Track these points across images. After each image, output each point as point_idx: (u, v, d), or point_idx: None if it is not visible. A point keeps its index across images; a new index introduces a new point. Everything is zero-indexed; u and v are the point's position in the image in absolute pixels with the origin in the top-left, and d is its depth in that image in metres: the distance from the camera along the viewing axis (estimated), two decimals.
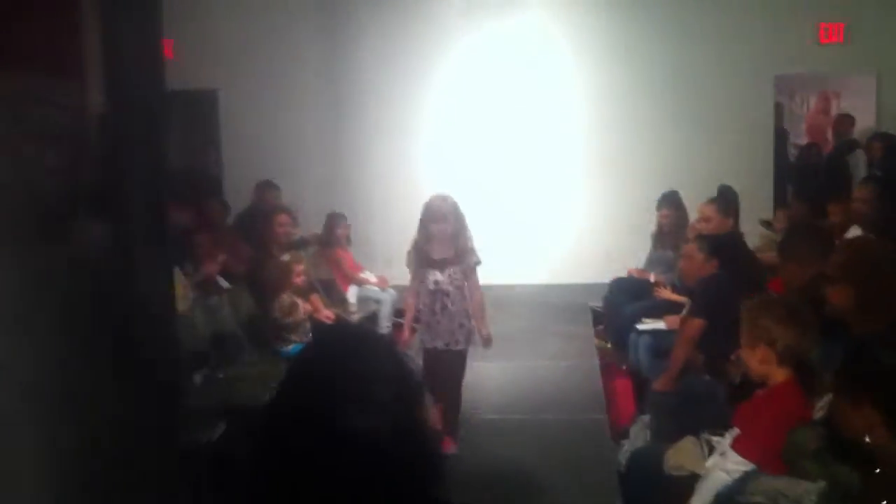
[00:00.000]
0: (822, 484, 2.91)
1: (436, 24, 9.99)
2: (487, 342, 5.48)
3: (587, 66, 9.89)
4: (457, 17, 9.98)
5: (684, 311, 6.29)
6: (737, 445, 3.24)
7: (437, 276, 5.30)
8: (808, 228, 5.35)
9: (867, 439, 2.42)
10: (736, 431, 3.36)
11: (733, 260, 5.56)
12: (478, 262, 5.38)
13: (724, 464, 3.24)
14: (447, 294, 5.31)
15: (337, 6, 10.08)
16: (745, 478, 3.16)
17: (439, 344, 5.31)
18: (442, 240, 5.24)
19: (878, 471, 2.41)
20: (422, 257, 5.34)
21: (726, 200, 7.16)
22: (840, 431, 2.66)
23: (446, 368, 5.31)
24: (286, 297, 6.56)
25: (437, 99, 10.10)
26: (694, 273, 5.49)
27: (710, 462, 3.47)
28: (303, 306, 6.63)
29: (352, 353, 1.73)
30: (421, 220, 5.33)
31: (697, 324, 5.17)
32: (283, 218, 7.51)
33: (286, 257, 6.87)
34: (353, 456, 1.58)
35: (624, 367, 7.02)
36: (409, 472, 1.64)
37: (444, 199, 5.33)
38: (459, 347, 5.35)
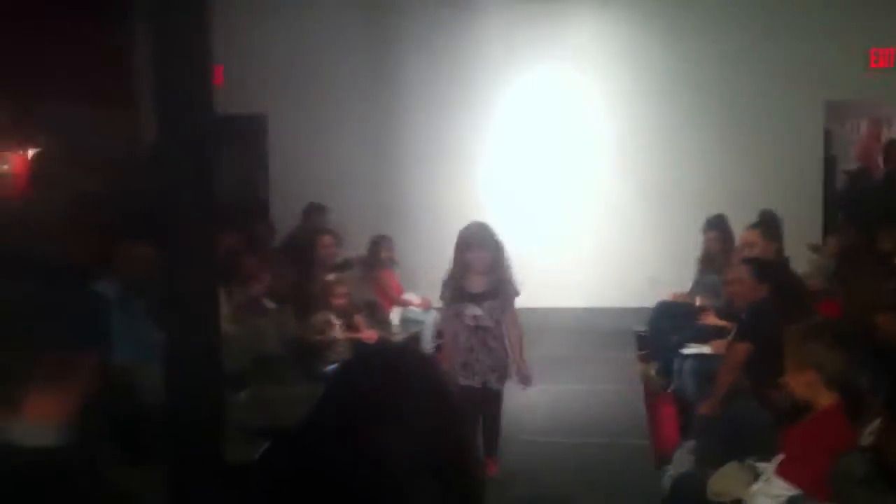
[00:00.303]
0: None
1: (482, 56, 10.03)
2: (527, 381, 5.14)
3: (637, 91, 9.86)
4: (503, 50, 10.00)
5: (731, 336, 6.23)
6: (782, 470, 3.19)
7: (475, 310, 4.96)
8: (865, 255, 5.30)
9: None
10: (780, 458, 3.31)
11: (781, 285, 5.49)
12: (517, 294, 5.03)
13: (768, 489, 3.19)
14: (487, 330, 4.97)
15: (385, 31, 10.17)
16: (791, 502, 3.11)
17: (476, 382, 4.97)
18: (480, 270, 4.91)
19: None
20: (458, 290, 4.98)
21: (769, 225, 7.09)
22: (889, 458, 2.61)
23: (480, 406, 5.02)
24: (321, 317, 6.60)
25: (484, 125, 10.13)
26: (745, 297, 5.43)
27: (754, 488, 3.43)
28: (339, 327, 6.66)
29: (392, 371, 1.71)
30: (456, 248, 4.99)
31: (744, 348, 5.10)
32: (327, 239, 7.58)
33: (330, 278, 6.92)
34: (392, 476, 1.56)
35: (668, 393, 6.95)
36: (451, 492, 1.63)
37: (481, 226, 5.04)
38: (497, 387, 5.07)
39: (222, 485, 4.12)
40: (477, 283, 4.96)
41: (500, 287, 4.97)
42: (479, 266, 4.90)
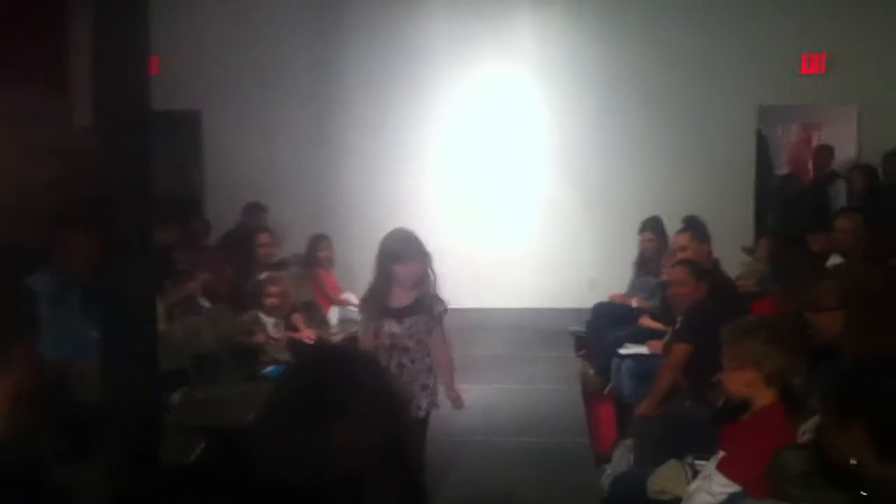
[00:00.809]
0: None
1: (425, 54, 10.02)
2: (457, 402, 4.62)
3: (570, 97, 9.94)
4: (446, 50, 10.01)
5: (668, 336, 6.32)
6: (722, 467, 3.24)
7: (393, 327, 4.35)
8: (799, 256, 5.42)
9: (853, 462, 2.42)
10: (720, 455, 3.35)
11: (717, 286, 5.59)
12: (444, 311, 4.44)
13: (709, 486, 3.23)
14: (406, 350, 4.37)
15: (326, 25, 10.10)
16: (730, 500, 3.16)
17: None
18: (405, 284, 4.31)
19: (864, 493, 2.41)
20: (378, 305, 4.37)
21: (698, 229, 7.21)
22: (827, 454, 2.66)
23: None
24: (249, 316, 6.53)
25: (424, 126, 10.11)
26: (685, 298, 5.50)
27: (693, 486, 3.47)
28: (273, 326, 6.58)
29: (340, 371, 1.71)
30: (380, 259, 4.37)
31: (684, 349, 5.17)
32: (264, 237, 7.50)
33: (262, 277, 6.84)
34: (339, 477, 1.55)
35: (606, 392, 7.03)
36: (395, 493, 1.62)
37: (409, 234, 4.41)
38: (420, 413, 4.36)
39: (159, 484, 4.07)
40: (400, 298, 4.35)
41: (425, 302, 4.37)
42: (408, 280, 4.31)
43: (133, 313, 4.01)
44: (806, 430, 3.29)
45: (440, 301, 4.43)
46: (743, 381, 3.32)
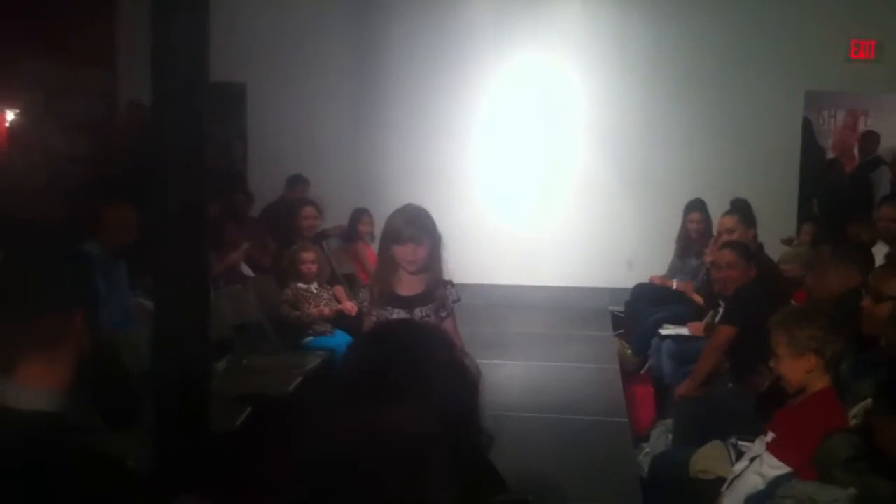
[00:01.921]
0: (852, 491, 2.92)
1: (469, 34, 10.00)
2: None
3: (620, 77, 9.87)
4: (491, 30, 9.98)
5: (707, 318, 6.32)
6: (775, 450, 3.25)
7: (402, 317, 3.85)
8: (846, 242, 5.38)
9: None
10: (766, 437, 3.37)
11: (763, 270, 5.56)
12: (456, 300, 3.94)
13: (759, 467, 3.25)
14: None
15: (370, 4, 10.11)
16: (777, 482, 3.17)
17: None
18: (410, 268, 3.80)
19: None
20: (384, 293, 3.86)
21: (745, 212, 7.18)
22: (875, 440, 2.67)
23: None
24: (290, 290, 6.57)
25: (468, 102, 10.10)
26: (733, 282, 5.47)
27: (738, 466, 3.49)
28: (317, 297, 6.64)
29: (413, 342, 1.72)
30: (383, 239, 3.89)
31: (728, 331, 5.15)
32: (308, 210, 7.54)
33: (296, 247, 6.88)
34: (409, 448, 1.58)
35: (643, 373, 7.05)
36: (463, 464, 1.64)
37: (417, 211, 3.84)
38: None
39: (205, 451, 4.15)
40: (408, 285, 3.87)
41: (436, 290, 3.89)
42: (409, 262, 3.79)
43: (185, 284, 4.10)
44: (855, 415, 3.30)
45: (452, 288, 3.93)
46: (803, 368, 3.32)
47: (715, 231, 7.48)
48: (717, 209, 7.80)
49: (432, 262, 3.81)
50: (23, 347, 2.10)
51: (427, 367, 1.63)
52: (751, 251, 5.72)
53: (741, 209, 7.16)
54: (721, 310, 5.83)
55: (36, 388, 2.10)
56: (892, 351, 3.39)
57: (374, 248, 8.55)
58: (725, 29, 9.63)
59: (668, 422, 5.30)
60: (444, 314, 3.87)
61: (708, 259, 6.93)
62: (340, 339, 6.41)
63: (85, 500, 2.04)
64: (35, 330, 2.12)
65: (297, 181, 8.98)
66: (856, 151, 10.89)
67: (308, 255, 6.70)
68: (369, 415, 1.56)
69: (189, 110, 4.08)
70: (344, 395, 1.62)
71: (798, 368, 3.34)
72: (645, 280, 8.17)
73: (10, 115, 7.49)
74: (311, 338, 6.48)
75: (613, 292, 8.98)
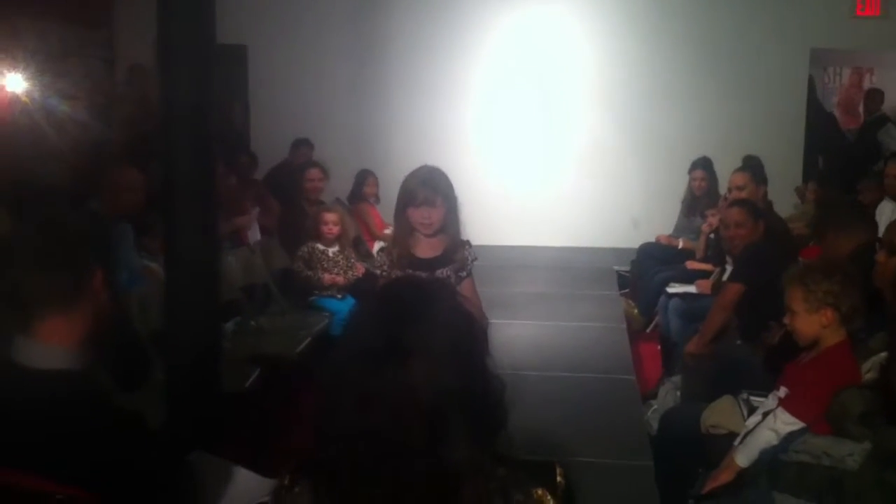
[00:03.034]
0: (866, 445, 2.94)
1: None
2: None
3: (624, 35, 9.82)
4: None
5: (714, 276, 6.32)
6: (788, 405, 3.25)
7: None
8: (850, 200, 5.36)
9: None
10: (779, 392, 3.37)
11: (772, 229, 5.55)
12: (474, 260, 3.92)
13: (773, 423, 3.25)
14: None
15: None
16: (791, 437, 3.18)
17: None
18: (425, 231, 3.78)
19: None
20: (402, 255, 3.84)
21: (756, 169, 7.16)
22: (891, 393, 2.68)
23: None
24: (305, 248, 6.51)
25: (470, 62, 10.05)
26: (742, 240, 5.46)
27: (750, 421, 3.50)
28: (327, 271, 6.58)
29: (426, 297, 1.72)
30: (399, 202, 3.83)
31: (737, 288, 5.14)
32: (314, 172, 7.52)
33: (321, 208, 6.86)
34: (425, 402, 1.57)
35: (648, 331, 7.07)
36: (478, 418, 1.64)
37: (432, 172, 3.81)
38: None
39: (219, 410, 4.17)
40: (426, 247, 3.84)
41: (455, 252, 3.86)
42: (425, 227, 3.76)
43: (196, 246, 4.10)
44: (868, 370, 3.31)
45: (470, 248, 3.90)
46: (820, 323, 3.32)
47: (723, 189, 7.47)
48: (722, 168, 7.79)
49: (449, 223, 3.79)
50: (45, 306, 2.10)
51: (432, 321, 1.65)
52: (759, 209, 5.70)
53: (753, 166, 7.14)
54: (728, 267, 5.83)
55: (57, 346, 2.11)
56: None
57: (380, 209, 8.62)
58: None
59: (676, 379, 5.32)
60: (463, 274, 3.84)
61: (713, 218, 6.91)
62: (346, 305, 6.36)
63: (105, 454, 2.05)
64: (57, 288, 2.12)
65: (300, 144, 8.96)
66: (860, 109, 10.82)
67: (331, 216, 6.58)
68: (382, 376, 1.57)
69: (197, 72, 4.06)
70: (354, 359, 1.63)
71: (814, 323, 3.34)
72: (650, 239, 8.16)
73: (9, 79, 7.44)
74: (319, 297, 6.46)
75: (618, 252, 8.98)
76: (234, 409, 4.51)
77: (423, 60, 10.02)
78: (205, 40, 4.09)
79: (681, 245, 7.65)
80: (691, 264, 7.06)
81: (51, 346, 2.11)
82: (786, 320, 3.51)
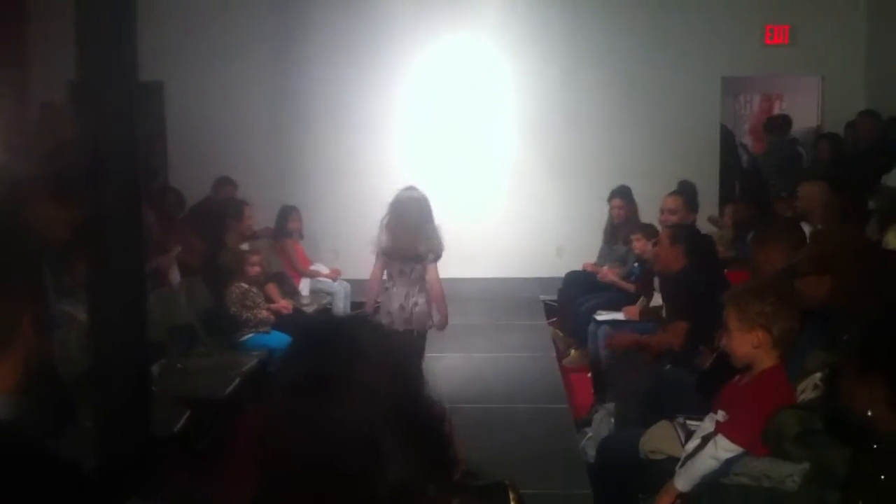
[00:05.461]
0: (804, 465, 2.98)
1: (388, 21, 9.95)
2: (442, 326, 5.65)
3: (536, 68, 9.96)
4: (411, 19, 9.94)
5: (640, 302, 6.39)
6: (727, 431, 3.26)
7: (401, 266, 5.50)
8: (779, 222, 5.46)
9: (869, 413, 2.48)
10: (717, 416, 3.39)
11: (703, 253, 5.59)
12: (442, 249, 5.64)
13: (713, 451, 3.25)
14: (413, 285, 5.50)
15: None
16: (730, 459, 3.21)
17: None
18: (392, 243, 5.49)
19: (875, 446, 2.47)
20: (386, 250, 5.52)
21: (690, 194, 7.27)
22: (842, 407, 2.70)
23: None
24: (236, 289, 6.47)
25: (392, 93, 10.06)
26: (665, 260, 5.52)
27: (689, 445, 3.51)
28: (256, 296, 6.55)
29: (351, 340, 1.71)
30: (390, 209, 5.56)
31: (683, 327, 5.16)
32: (249, 210, 7.49)
33: (244, 247, 6.80)
34: (353, 448, 1.56)
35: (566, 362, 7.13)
36: (423, 440, 1.63)
37: (401, 197, 5.64)
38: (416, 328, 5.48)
39: (148, 453, 4.05)
40: (403, 242, 5.51)
41: (429, 245, 5.58)
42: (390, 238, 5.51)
43: (121, 285, 4.00)
44: (804, 390, 3.35)
45: (439, 242, 5.61)
46: (752, 343, 3.35)
47: (643, 217, 7.58)
48: (641, 196, 7.93)
49: (419, 232, 5.47)
50: None
51: (362, 361, 1.66)
52: (687, 234, 5.75)
53: (687, 192, 7.24)
54: (656, 292, 5.90)
55: None
56: (850, 318, 3.41)
57: (303, 245, 8.53)
58: (644, 17, 9.77)
59: (610, 406, 5.34)
60: (431, 258, 5.56)
61: (639, 242, 6.98)
62: (277, 339, 6.31)
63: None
64: None
65: (224, 182, 8.80)
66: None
67: (256, 258, 6.69)
68: (314, 410, 1.59)
69: (120, 109, 4.00)
70: (287, 392, 1.66)
71: (746, 343, 3.38)
72: (576, 268, 8.23)
73: None
74: (247, 336, 6.37)
75: (543, 281, 9.04)
76: (166, 452, 4.39)
77: (344, 95, 10.00)
78: (126, 77, 4.03)
79: (604, 273, 7.67)
80: (605, 274, 7.23)
81: None
82: (722, 341, 3.55)
